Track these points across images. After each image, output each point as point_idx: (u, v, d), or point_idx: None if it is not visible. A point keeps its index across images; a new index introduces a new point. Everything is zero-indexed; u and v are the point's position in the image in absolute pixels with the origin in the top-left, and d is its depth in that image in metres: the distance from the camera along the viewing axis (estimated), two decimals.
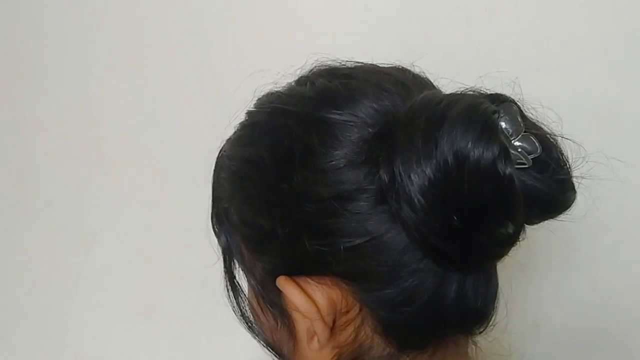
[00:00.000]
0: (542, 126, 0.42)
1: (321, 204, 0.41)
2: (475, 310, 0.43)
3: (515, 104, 0.41)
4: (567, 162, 0.41)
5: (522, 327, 0.82)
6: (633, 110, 0.81)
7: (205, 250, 0.88)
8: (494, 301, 0.44)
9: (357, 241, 0.40)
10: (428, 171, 0.37)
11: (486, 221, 0.38)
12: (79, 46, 0.99)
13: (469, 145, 0.36)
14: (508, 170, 0.37)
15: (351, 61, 0.48)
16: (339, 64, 0.48)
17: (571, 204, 0.41)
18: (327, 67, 0.48)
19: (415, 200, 0.37)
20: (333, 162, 0.41)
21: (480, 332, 0.46)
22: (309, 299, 0.42)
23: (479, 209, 0.37)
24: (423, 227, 0.38)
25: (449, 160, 0.36)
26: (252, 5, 0.91)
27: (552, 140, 0.41)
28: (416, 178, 0.37)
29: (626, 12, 0.79)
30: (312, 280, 0.43)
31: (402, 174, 0.37)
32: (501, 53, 0.79)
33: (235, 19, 0.92)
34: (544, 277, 0.84)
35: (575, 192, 0.41)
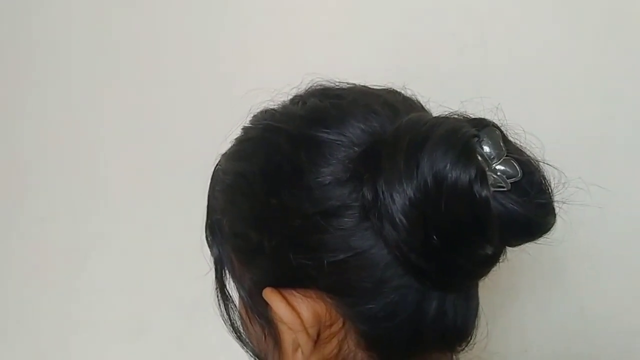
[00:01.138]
0: (525, 151, 0.43)
1: (307, 219, 0.42)
2: (455, 328, 0.44)
3: (498, 128, 0.42)
4: (549, 186, 0.42)
5: (510, 351, 0.82)
6: (615, 138, 0.82)
7: (197, 272, 0.88)
8: (474, 320, 0.45)
9: (341, 256, 0.41)
10: (409, 191, 0.38)
11: (464, 242, 0.39)
12: (79, 60, 0.99)
13: (447, 167, 0.37)
14: (484, 193, 0.38)
15: (345, 82, 0.50)
16: (332, 84, 0.50)
17: (550, 228, 0.42)
18: (320, 87, 0.49)
19: (397, 219, 0.38)
20: (319, 179, 0.42)
21: (462, 350, 0.46)
22: (293, 311, 0.43)
23: (456, 230, 0.38)
24: (404, 245, 0.39)
25: (429, 181, 0.38)
26: (251, 25, 0.92)
27: (534, 165, 0.42)
28: (398, 197, 0.38)
29: (613, 44, 0.81)
30: (298, 292, 0.44)
31: (385, 192, 0.39)
32: (492, 80, 0.81)
33: (234, 37, 0.93)
34: (531, 302, 0.84)
35: (555, 216, 0.42)
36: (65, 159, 1.01)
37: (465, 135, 0.39)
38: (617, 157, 0.83)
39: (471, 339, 0.46)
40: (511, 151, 0.41)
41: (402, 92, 0.49)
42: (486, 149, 0.40)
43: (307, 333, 0.43)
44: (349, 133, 0.43)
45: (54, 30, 1.00)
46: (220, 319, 0.72)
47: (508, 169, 0.40)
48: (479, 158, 0.39)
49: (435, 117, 0.42)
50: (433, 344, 0.44)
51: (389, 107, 0.45)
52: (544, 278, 0.84)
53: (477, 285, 0.45)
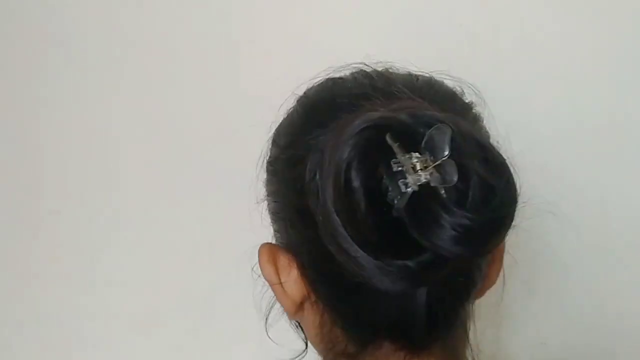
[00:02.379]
0: (492, 158, 0.39)
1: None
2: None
3: (451, 128, 0.38)
4: (488, 204, 0.37)
5: (528, 343, 0.81)
6: (631, 130, 0.81)
7: (212, 264, 0.90)
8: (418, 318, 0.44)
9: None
10: (328, 184, 0.38)
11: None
12: (92, 54, 0.99)
13: (344, 163, 0.37)
14: (356, 183, 0.37)
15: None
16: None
17: (489, 240, 0.38)
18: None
19: (323, 215, 0.38)
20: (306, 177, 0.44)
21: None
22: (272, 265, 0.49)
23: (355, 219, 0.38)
24: (336, 242, 0.38)
25: (334, 179, 0.38)
26: (262, 18, 0.92)
27: (482, 174, 0.37)
28: (324, 191, 0.38)
29: (630, 33, 0.80)
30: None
31: (319, 185, 0.40)
32: (504, 72, 0.80)
33: (243, 30, 0.93)
34: (549, 295, 0.84)
35: (497, 232, 0.38)
36: (79, 152, 1.01)
37: (364, 131, 0.38)
38: (633, 147, 0.81)
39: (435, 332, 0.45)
40: (462, 154, 0.38)
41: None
42: (422, 148, 0.38)
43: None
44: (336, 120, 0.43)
45: (66, 25, 1.00)
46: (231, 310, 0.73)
47: (445, 172, 0.37)
48: (379, 155, 0.38)
49: (387, 110, 0.40)
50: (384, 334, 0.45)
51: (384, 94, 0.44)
52: (561, 271, 0.83)
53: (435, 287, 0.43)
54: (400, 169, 0.37)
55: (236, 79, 0.92)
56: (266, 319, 0.56)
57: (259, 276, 0.51)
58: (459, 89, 0.50)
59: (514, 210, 0.38)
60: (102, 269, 0.99)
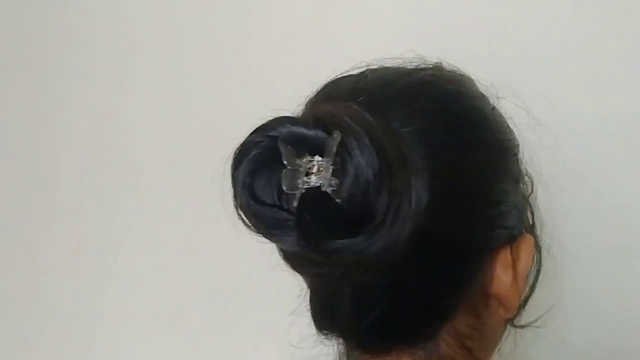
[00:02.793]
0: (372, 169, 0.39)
1: None
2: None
3: (342, 134, 0.38)
4: (344, 216, 0.38)
5: (548, 341, 0.81)
6: None
7: (233, 258, 0.89)
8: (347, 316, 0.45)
9: None
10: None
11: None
12: (110, 52, 1.00)
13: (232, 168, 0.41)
14: (243, 200, 0.40)
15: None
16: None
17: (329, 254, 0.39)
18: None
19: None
20: None
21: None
22: None
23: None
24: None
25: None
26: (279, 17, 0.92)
27: (362, 182, 0.38)
28: None
29: None
30: None
31: None
32: (528, 68, 0.79)
33: (260, 29, 0.93)
34: (570, 293, 0.83)
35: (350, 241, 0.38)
36: (98, 150, 1.02)
37: (245, 142, 0.41)
38: None
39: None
40: (344, 163, 0.38)
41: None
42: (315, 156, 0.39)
43: None
44: None
45: (83, 24, 1.02)
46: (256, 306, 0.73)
47: (324, 178, 0.38)
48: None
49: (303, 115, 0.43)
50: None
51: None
52: (582, 269, 0.82)
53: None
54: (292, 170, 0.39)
55: (256, 80, 0.92)
56: None
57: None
58: (476, 90, 0.49)
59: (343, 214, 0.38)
60: (122, 266, 1.00)
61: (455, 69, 0.49)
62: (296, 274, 0.47)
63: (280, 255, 0.45)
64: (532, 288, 0.52)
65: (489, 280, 0.46)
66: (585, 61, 0.79)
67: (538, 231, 0.53)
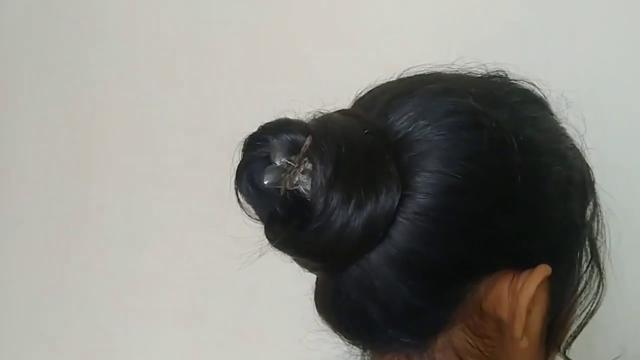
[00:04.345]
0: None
1: None
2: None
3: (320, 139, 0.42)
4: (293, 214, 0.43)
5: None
6: None
7: (255, 258, 0.89)
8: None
9: None
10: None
11: None
12: (137, 50, 1.01)
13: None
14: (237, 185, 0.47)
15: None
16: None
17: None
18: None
19: None
20: None
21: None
22: None
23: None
24: None
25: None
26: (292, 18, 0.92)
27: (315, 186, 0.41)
28: None
29: None
30: None
31: None
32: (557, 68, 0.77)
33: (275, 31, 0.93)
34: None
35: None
36: (125, 148, 1.03)
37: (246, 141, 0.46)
38: None
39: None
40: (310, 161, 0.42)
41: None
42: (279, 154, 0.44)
43: None
44: None
45: (112, 25, 1.03)
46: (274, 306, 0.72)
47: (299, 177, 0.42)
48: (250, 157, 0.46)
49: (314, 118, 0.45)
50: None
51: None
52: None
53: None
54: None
55: (269, 85, 0.92)
56: None
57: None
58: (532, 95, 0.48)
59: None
60: (146, 265, 1.01)
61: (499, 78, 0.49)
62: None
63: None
64: (587, 320, 0.50)
65: (491, 301, 0.44)
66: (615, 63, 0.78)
67: (603, 266, 0.50)
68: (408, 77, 0.48)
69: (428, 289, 0.43)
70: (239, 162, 0.46)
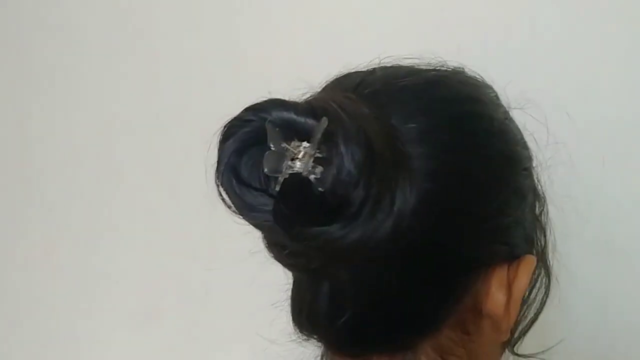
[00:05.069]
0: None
1: None
2: None
3: (332, 125, 0.38)
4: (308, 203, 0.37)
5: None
6: None
7: (210, 260, 0.87)
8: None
9: None
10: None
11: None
12: (89, 44, 0.99)
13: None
14: (225, 179, 0.40)
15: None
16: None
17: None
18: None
19: None
20: None
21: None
22: None
23: None
24: None
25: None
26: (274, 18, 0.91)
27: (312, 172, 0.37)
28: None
29: None
30: None
31: None
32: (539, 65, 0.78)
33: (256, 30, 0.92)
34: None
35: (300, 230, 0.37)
36: (76, 146, 1.00)
37: (238, 117, 0.40)
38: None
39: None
40: (333, 153, 0.37)
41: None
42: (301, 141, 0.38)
43: None
44: None
45: (68, 19, 1.00)
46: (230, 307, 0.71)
47: (302, 165, 0.37)
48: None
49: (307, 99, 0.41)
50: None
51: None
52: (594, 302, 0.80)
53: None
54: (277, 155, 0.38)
55: (243, 78, 0.90)
56: None
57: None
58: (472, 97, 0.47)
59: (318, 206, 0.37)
60: (97, 265, 0.98)
61: (476, 75, 0.48)
62: (287, 272, 0.46)
63: (264, 243, 0.43)
64: (537, 315, 0.50)
65: (482, 297, 0.44)
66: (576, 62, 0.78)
67: (550, 256, 0.51)
68: (383, 67, 0.47)
69: (430, 279, 0.42)
70: (221, 149, 0.40)
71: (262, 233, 0.42)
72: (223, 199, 0.40)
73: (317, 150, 0.37)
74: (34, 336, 1.02)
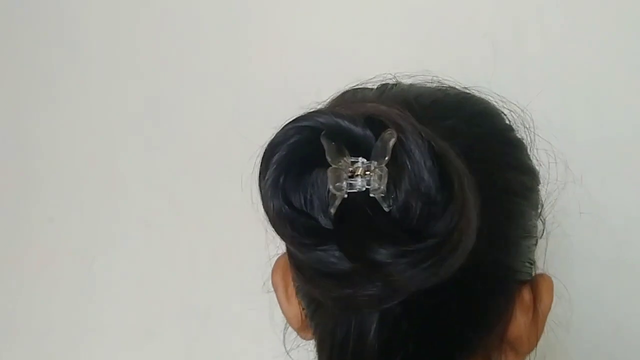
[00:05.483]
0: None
1: None
2: None
3: (398, 135, 0.33)
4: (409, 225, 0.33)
5: None
6: None
7: (211, 277, 0.87)
8: None
9: None
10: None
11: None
12: (91, 56, 0.98)
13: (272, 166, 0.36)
14: (275, 203, 0.35)
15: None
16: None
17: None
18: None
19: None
20: None
21: None
22: None
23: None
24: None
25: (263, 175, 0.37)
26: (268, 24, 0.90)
27: (416, 190, 0.33)
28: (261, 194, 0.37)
29: None
30: None
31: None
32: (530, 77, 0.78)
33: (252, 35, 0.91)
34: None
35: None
36: (76, 158, 0.99)
37: (284, 132, 0.35)
38: None
39: None
40: (397, 162, 0.33)
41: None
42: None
43: None
44: None
45: (66, 23, 0.98)
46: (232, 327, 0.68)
47: (375, 180, 0.33)
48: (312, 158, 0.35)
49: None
50: None
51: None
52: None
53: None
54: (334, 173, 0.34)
55: (243, 84, 0.90)
56: (283, 335, 0.52)
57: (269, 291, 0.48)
58: (497, 112, 0.46)
59: (451, 238, 0.32)
60: (96, 280, 0.97)
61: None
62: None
63: (300, 275, 0.37)
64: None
65: (508, 321, 0.42)
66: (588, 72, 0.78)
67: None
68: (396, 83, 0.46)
69: (479, 304, 0.39)
70: (267, 167, 0.35)
71: (310, 259, 0.35)
72: (275, 227, 0.35)
73: (381, 165, 0.33)
74: (29, 353, 1.00)
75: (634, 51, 0.77)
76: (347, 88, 0.46)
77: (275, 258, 0.47)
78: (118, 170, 0.97)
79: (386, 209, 0.33)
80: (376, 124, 0.34)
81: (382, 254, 0.31)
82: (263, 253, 0.49)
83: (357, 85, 0.46)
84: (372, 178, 0.33)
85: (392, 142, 0.33)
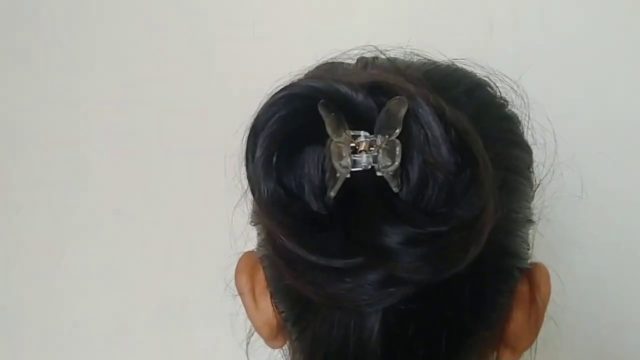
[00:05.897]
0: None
1: None
2: None
3: (408, 103, 0.30)
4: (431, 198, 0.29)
5: None
6: None
7: (186, 270, 0.86)
8: None
9: None
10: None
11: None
12: (64, 42, 0.96)
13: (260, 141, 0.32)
14: (269, 188, 0.31)
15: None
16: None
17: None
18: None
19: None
20: None
21: None
22: None
23: None
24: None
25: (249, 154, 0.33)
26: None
27: (432, 161, 0.29)
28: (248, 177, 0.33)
29: None
30: None
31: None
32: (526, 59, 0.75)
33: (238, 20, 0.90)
34: None
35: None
36: (47, 143, 0.96)
37: (290, 100, 0.30)
38: None
39: None
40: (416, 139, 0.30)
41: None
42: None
43: None
44: None
45: (39, 13, 0.96)
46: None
47: (386, 153, 0.29)
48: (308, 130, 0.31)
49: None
50: None
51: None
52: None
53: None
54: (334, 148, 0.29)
55: (218, 74, 0.88)
56: (248, 340, 0.48)
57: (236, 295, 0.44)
58: (493, 85, 0.42)
59: (478, 219, 0.29)
60: (67, 272, 0.94)
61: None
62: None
63: (290, 271, 0.33)
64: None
65: (508, 315, 0.39)
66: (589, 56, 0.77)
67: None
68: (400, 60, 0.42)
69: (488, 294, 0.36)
70: (254, 146, 0.31)
71: (309, 251, 0.31)
72: (269, 215, 0.31)
73: (390, 139, 0.29)
74: (0, 348, 0.97)
75: (634, 29, 0.77)
76: (321, 62, 0.42)
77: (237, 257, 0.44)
78: (92, 158, 0.95)
79: (395, 189, 0.29)
80: (378, 93, 0.30)
81: (393, 239, 0.28)
82: (240, 243, 0.47)
83: (332, 59, 0.42)
84: (379, 154, 0.29)
85: (402, 112, 0.29)
